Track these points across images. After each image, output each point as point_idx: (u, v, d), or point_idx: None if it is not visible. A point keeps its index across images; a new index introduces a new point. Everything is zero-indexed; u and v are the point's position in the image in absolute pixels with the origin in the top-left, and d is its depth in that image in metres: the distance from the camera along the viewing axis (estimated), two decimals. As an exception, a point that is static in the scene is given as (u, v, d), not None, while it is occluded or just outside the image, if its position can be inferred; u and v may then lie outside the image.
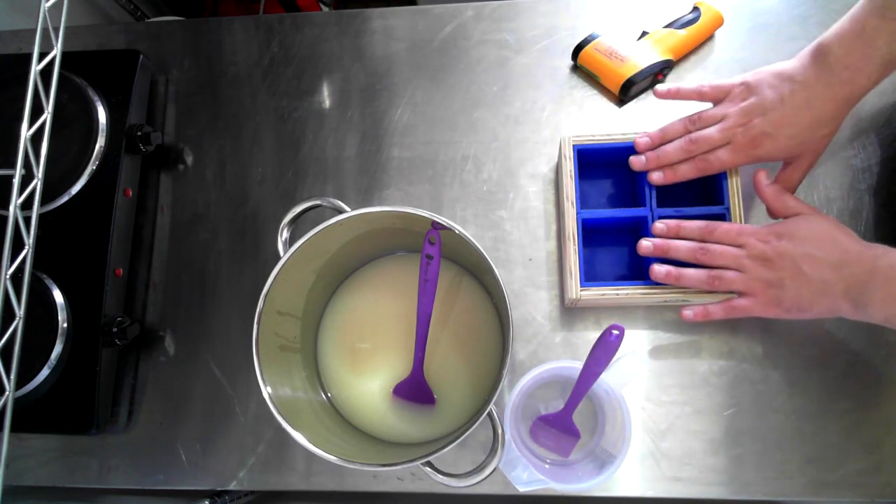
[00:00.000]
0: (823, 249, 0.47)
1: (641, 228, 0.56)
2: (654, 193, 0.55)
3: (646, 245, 0.53)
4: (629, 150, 0.56)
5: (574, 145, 0.56)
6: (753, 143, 0.51)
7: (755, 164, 0.53)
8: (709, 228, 0.51)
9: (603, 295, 0.53)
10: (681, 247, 0.52)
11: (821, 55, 0.49)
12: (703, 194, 0.58)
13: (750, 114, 0.51)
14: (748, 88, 0.52)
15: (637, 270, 0.57)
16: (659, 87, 0.56)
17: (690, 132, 0.54)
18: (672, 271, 0.52)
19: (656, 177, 0.55)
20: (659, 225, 0.53)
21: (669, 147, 0.54)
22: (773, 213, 0.53)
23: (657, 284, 0.52)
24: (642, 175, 0.55)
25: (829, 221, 0.49)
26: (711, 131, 0.53)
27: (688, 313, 0.53)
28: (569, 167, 0.55)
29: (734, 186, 0.53)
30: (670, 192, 0.58)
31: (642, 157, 0.55)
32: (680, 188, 0.57)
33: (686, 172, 0.54)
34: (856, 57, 0.47)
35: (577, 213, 0.54)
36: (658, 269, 0.52)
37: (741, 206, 0.53)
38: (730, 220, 0.53)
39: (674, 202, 0.55)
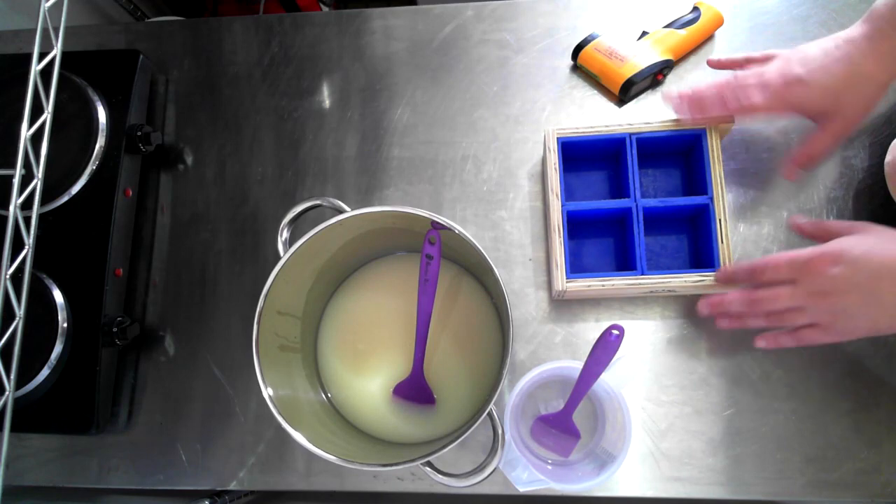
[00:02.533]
0: (885, 266, 0.42)
1: (627, 220, 0.56)
2: (638, 185, 0.55)
3: (702, 307, 0.52)
4: (613, 141, 0.56)
5: (558, 138, 0.56)
6: (786, 87, 0.49)
7: (785, 112, 0.51)
8: (756, 270, 0.48)
9: (589, 286, 0.53)
10: (734, 302, 0.49)
11: (869, 16, 0.48)
12: (687, 185, 0.59)
13: (790, 61, 0.50)
14: (793, 49, 0.51)
15: (623, 261, 0.58)
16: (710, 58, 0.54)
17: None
18: (735, 319, 0.51)
19: (676, 105, 0.54)
20: (717, 275, 0.51)
21: (704, 88, 0.53)
22: (822, 240, 0.48)
23: (642, 275, 0.53)
24: (626, 167, 0.55)
25: (884, 232, 0.45)
26: (748, 73, 0.51)
27: (761, 343, 0.51)
28: (553, 160, 0.55)
29: (717, 176, 0.54)
30: (654, 184, 0.59)
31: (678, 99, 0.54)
32: (663, 179, 0.58)
33: (712, 106, 0.52)
34: None
35: (561, 206, 0.55)
36: (721, 322, 0.52)
37: (724, 195, 0.53)
38: (713, 210, 0.53)
39: (658, 193, 0.55)
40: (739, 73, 0.52)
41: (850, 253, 0.43)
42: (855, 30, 0.48)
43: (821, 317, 0.46)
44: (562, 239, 0.54)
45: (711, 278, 0.52)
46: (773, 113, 0.51)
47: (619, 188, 0.59)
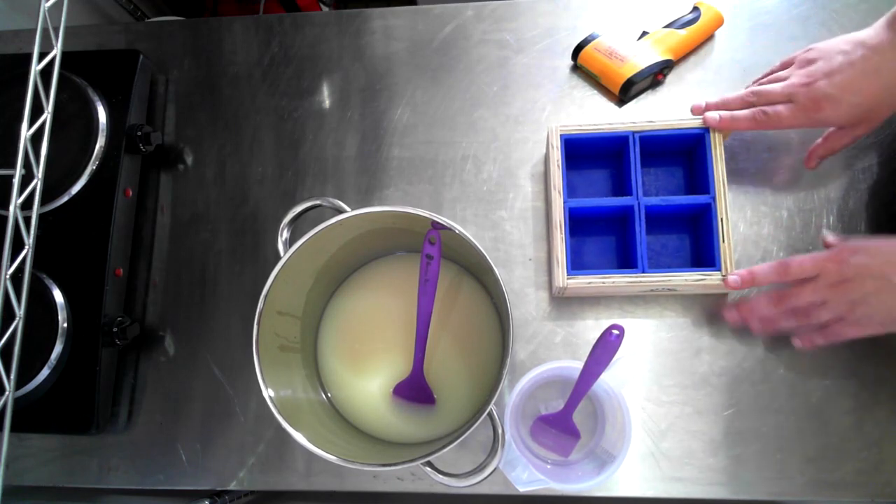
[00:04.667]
0: None
1: (628, 218, 0.56)
2: (640, 183, 0.55)
3: (730, 314, 0.53)
4: (616, 139, 0.56)
5: (561, 135, 0.56)
6: (816, 106, 0.49)
7: (813, 127, 0.52)
8: (783, 270, 0.49)
9: (590, 283, 0.53)
10: (761, 301, 0.51)
11: (894, 21, 0.47)
12: (689, 184, 0.59)
13: (814, 75, 0.49)
14: (817, 52, 0.51)
15: (624, 260, 0.58)
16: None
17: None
18: (767, 321, 0.52)
19: (711, 117, 0.53)
20: (731, 279, 0.51)
21: (731, 96, 0.54)
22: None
23: (643, 273, 0.53)
24: (629, 165, 0.55)
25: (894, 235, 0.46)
26: (775, 86, 0.52)
27: (797, 343, 0.52)
28: (556, 157, 0.56)
29: (720, 175, 0.54)
30: (657, 183, 0.60)
31: (702, 103, 0.55)
32: (666, 178, 0.59)
33: (743, 121, 0.52)
34: None
35: (563, 203, 0.55)
36: (754, 326, 0.53)
37: (726, 193, 0.53)
38: (715, 209, 0.53)
39: (660, 192, 0.55)
40: (767, 86, 0.53)
41: (865, 245, 0.46)
42: (880, 36, 0.48)
43: (840, 307, 0.47)
44: (563, 235, 0.54)
45: (714, 278, 0.52)
46: (798, 127, 0.52)
47: (621, 186, 0.59)
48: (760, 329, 0.53)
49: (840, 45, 0.50)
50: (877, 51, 0.47)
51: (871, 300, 0.46)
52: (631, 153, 0.55)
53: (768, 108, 0.51)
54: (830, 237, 0.53)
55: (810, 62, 0.51)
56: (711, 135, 0.54)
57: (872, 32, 0.48)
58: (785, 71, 0.53)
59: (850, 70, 0.48)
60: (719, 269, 0.52)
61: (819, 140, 0.55)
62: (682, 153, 0.60)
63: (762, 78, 0.57)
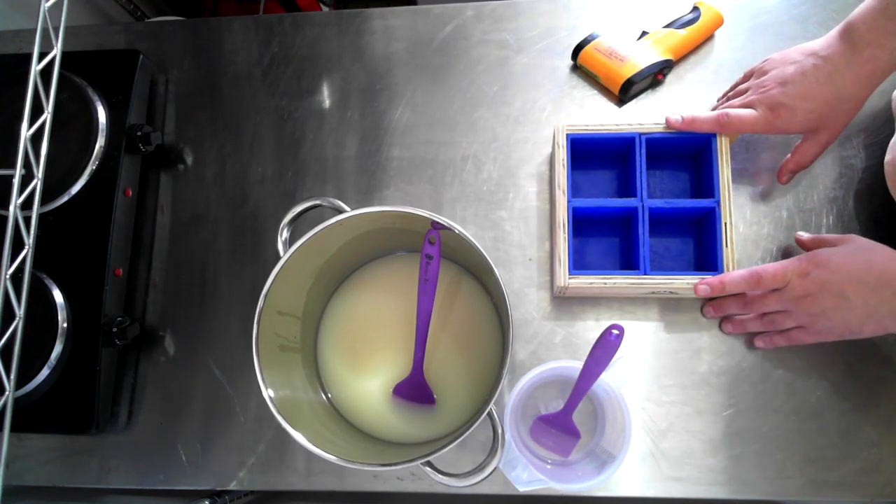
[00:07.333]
0: (860, 273, 0.47)
1: (632, 219, 0.56)
2: (645, 185, 0.55)
3: (710, 311, 0.56)
4: (622, 140, 0.56)
5: (567, 134, 0.56)
6: (773, 113, 0.51)
7: (773, 133, 0.55)
8: (754, 279, 0.51)
9: (591, 284, 0.53)
10: (731, 304, 0.54)
11: (846, 32, 0.49)
12: (694, 187, 0.59)
13: (768, 85, 0.52)
14: (771, 62, 0.53)
15: (626, 261, 0.58)
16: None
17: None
18: (737, 323, 0.55)
19: (673, 119, 0.55)
20: (701, 288, 0.52)
21: (701, 114, 0.56)
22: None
23: (645, 275, 0.53)
24: (634, 167, 0.55)
25: (864, 243, 0.49)
26: (734, 101, 0.55)
27: (759, 343, 0.55)
28: (561, 156, 0.55)
29: (725, 179, 0.54)
30: (661, 185, 0.59)
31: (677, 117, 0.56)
32: (670, 181, 0.59)
33: (705, 123, 0.54)
34: (878, 33, 0.47)
35: (567, 202, 0.55)
36: (725, 327, 0.56)
37: (731, 198, 0.53)
38: (720, 214, 0.53)
39: (664, 195, 0.55)
40: (729, 103, 0.56)
41: (826, 261, 0.48)
42: (832, 46, 0.50)
43: (803, 318, 0.51)
44: (566, 235, 0.54)
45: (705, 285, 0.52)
46: (759, 132, 0.54)
47: (625, 188, 0.59)
48: (731, 331, 0.56)
49: (793, 55, 0.52)
50: (828, 60, 0.49)
51: (830, 314, 0.49)
52: (637, 155, 0.55)
53: (731, 111, 0.53)
54: (805, 236, 0.55)
55: (765, 73, 0.53)
56: (718, 139, 0.54)
57: (824, 42, 0.51)
58: (745, 83, 0.56)
59: (803, 79, 0.50)
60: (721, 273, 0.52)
61: (788, 155, 0.56)
62: (688, 156, 0.60)
63: (729, 91, 0.59)
